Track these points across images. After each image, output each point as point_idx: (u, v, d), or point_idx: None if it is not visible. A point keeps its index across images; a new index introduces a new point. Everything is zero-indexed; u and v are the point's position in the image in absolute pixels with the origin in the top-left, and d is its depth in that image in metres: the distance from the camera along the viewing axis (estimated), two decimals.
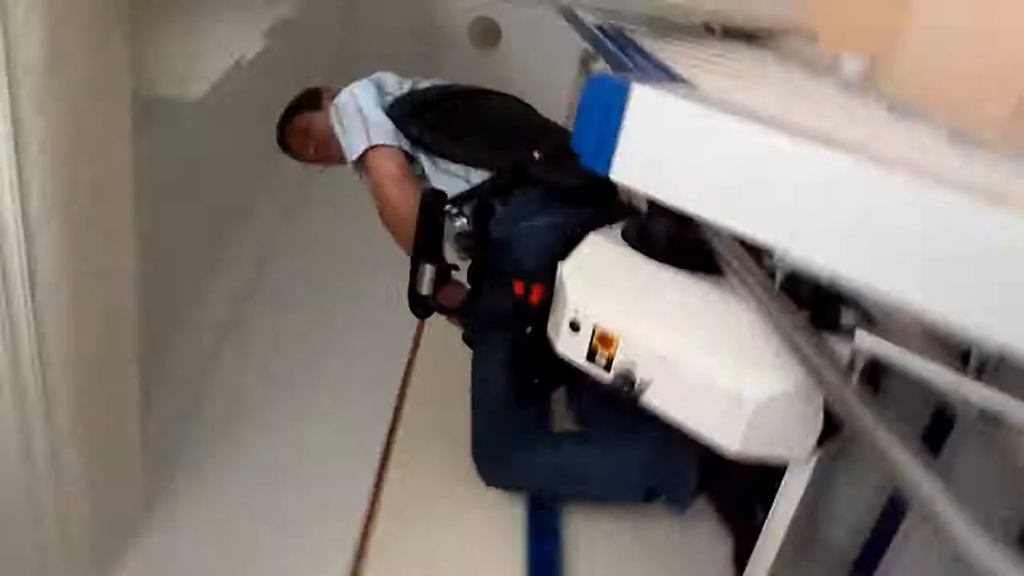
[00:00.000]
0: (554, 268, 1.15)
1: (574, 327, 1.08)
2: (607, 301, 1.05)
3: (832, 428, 0.99)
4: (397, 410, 1.90)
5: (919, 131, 1.14)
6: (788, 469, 1.05)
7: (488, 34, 4.34)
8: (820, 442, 1.00)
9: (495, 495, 1.57)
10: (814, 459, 1.02)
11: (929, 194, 0.62)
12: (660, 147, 0.80)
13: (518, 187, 1.33)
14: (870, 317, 0.92)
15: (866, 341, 0.79)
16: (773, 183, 0.72)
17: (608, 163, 0.84)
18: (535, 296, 1.20)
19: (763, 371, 0.92)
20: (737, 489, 1.35)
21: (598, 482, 1.44)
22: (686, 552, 1.50)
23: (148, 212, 1.35)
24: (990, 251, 0.59)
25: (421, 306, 1.36)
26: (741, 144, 0.74)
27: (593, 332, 1.06)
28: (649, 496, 1.41)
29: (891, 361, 0.80)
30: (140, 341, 1.30)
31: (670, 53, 1.43)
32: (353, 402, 1.89)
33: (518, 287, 1.22)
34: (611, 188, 1.29)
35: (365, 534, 1.52)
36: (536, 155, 1.32)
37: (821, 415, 0.96)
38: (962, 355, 0.81)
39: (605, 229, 1.17)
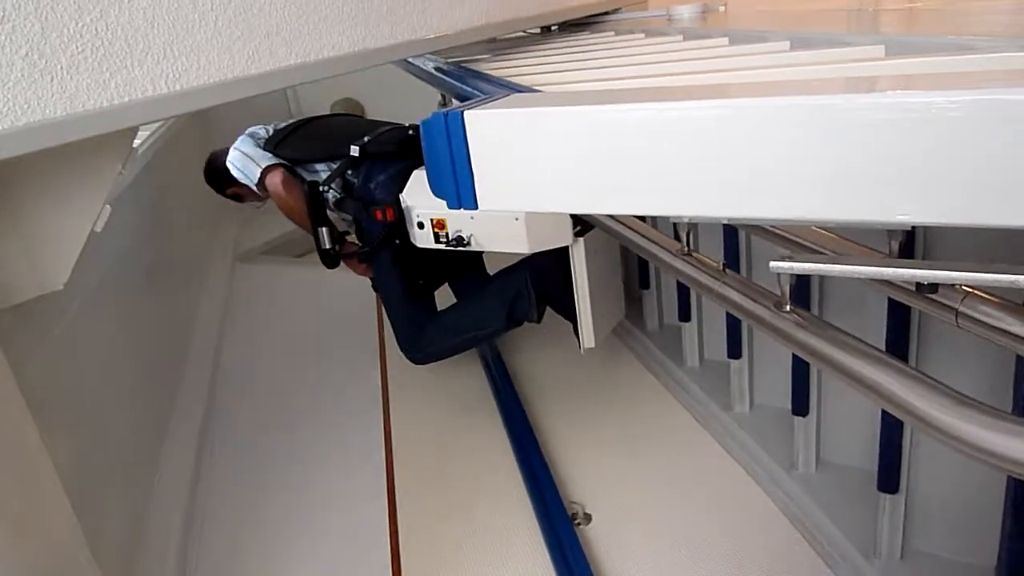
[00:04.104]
0: (397, 199, 1.85)
1: (420, 226, 1.78)
2: (432, 203, 1.41)
3: (585, 225, 1.70)
4: None
5: (764, 49, 1.15)
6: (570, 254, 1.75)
7: (351, 109, 4.41)
8: (580, 233, 1.72)
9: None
10: (580, 242, 1.72)
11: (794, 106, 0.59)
12: (514, 162, 0.77)
13: (364, 161, 1.97)
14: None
15: (781, 267, 0.77)
16: (631, 155, 0.69)
17: (474, 198, 0.80)
18: (390, 215, 1.88)
19: None
20: (557, 290, 1.90)
21: (476, 326, 2.07)
22: None
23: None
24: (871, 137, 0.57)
25: (328, 258, 2.01)
26: (587, 129, 0.71)
27: (432, 222, 1.75)
28: (510, 323, 2.02)
29: (816, 273, 0.78)
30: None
31: (512, 67, 1.43)
32: None
33: (378, 214, 1.90)
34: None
35: None
36: (366, 139, 1.94)
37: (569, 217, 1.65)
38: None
39: (421, 168, 1.82)
